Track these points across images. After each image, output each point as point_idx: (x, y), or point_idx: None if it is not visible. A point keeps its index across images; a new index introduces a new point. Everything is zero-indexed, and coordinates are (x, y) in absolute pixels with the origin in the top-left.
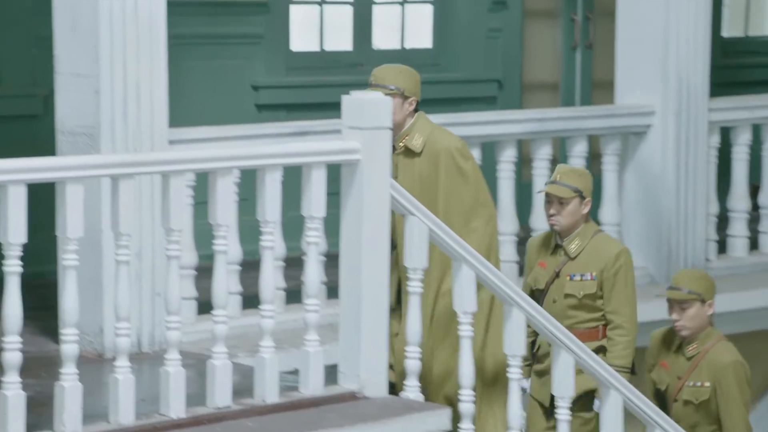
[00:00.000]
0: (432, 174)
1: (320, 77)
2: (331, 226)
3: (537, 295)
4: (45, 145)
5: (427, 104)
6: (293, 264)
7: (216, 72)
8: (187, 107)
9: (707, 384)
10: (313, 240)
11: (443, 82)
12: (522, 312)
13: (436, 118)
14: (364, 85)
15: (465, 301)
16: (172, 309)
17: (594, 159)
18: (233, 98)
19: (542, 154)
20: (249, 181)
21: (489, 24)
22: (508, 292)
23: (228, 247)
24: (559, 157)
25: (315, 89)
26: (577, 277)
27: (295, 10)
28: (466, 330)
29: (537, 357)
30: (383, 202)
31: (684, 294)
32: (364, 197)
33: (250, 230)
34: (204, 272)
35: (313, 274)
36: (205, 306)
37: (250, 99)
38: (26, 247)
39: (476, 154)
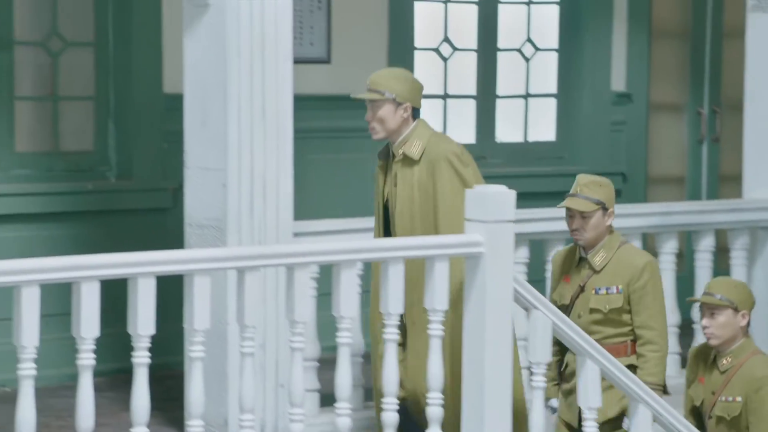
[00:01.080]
0: (429, 181)
1: None
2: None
3: (562, 311)
4: (173, 238)
5: (551, 197)
6: None
7: (339, 165)
8: (310, 200)
9: (739, 399)
10: (436, 332)
11: (567, 175)
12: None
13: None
14: (487, 178)
15: (590, 396)
16: (296, 401)
17: (721, 253)
18: (356, 191)
19: (668, 248)
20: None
21: (613, 117)
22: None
23: (351, 339)
24: (685, 252)
25: None
26: (603, 291)
27: None
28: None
29: (564, 376)
30: (506, 295)
31: (715, 299)
32: (487, 290)
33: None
34: (327, 364)
35: (436, 367)
36: (327, 398)
37: (371, 191)
38: (153, 338)
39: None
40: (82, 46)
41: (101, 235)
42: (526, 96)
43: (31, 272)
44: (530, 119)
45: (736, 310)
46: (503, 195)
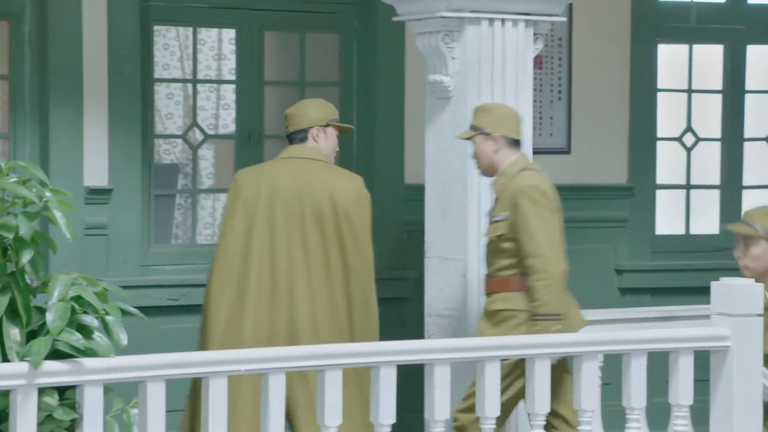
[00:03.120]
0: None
1: (685, 261)
2: (700, 414)
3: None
4: (413, 327)
5: None
6: None
7: (581, 255)
8: None
9: None
10: (682, 428)
11: None
12: None
13: None
14: (730, 271)
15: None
16: None
17: None
18: (597, 282)
19: None
20: (613, 366)
21: None
22: None
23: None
24: None
25: (680, 273)
26: (496, 218)
27: (661, 195)
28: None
29: None
30: (755, 391)
31: (750, 230)
32: (734, 386)
33: (614, 415)
34: None
35: None
36: None
37: (613, 282)
38: (393, 427)
39: None
40: None
41: None
42: None
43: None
44: None
45: None
46: (750, 288)
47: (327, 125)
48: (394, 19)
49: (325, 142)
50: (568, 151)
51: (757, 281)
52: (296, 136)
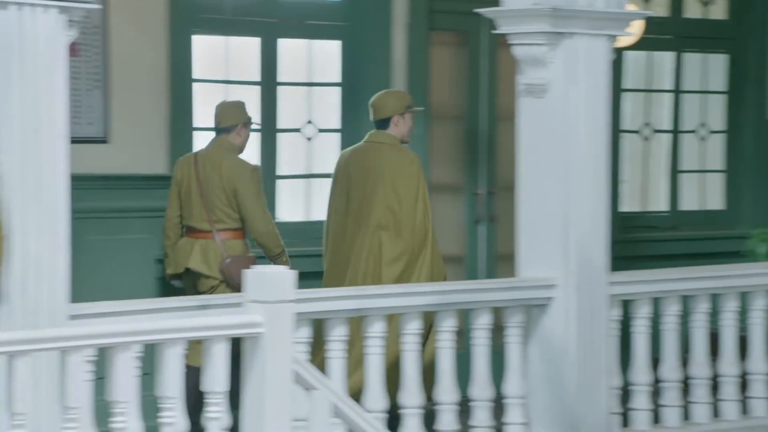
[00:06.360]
0: None
1: None
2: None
3: None
4: None
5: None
6: None
7: (121, 246)
8: (88, 282)
9: None
10: (216, 414)
11: None
12: None
13: None
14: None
15: None
16: None
17: (499, 331)
18: (136, 272)
19: (446, 326)
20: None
21: None
22: None
23: (128, 424)
24: (464, 329)
25: None
26: None
27: None
28: None
29: None
30: (286, 376)
31: None
32: (267, 371)
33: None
34: None
35: None
36: None
37: (152, 273)
38: None
39: (380, 327)
40: None
41: None
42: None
43: None
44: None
45: None
46: (283, 275)
47: None
48: None
49: None
50: (106, 140)
51: None
52: None
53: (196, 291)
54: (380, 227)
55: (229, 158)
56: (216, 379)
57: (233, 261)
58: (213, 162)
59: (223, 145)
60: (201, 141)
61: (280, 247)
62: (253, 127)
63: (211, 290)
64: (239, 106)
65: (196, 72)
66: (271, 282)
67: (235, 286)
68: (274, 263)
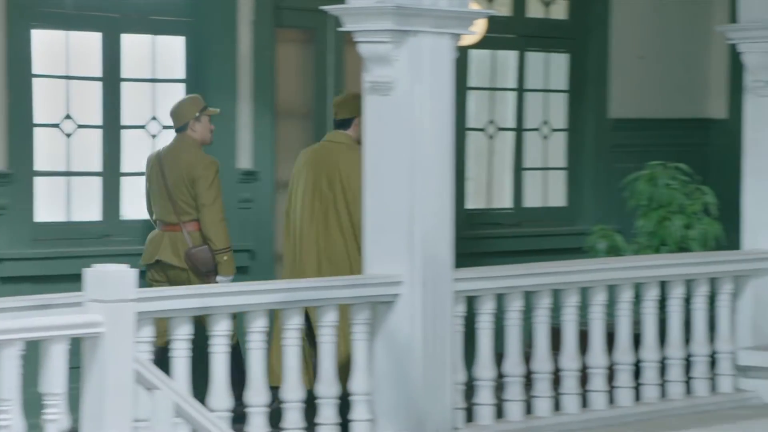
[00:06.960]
0: None
1: (67, 248)
2: (74, 401)
3: None
4: None
5: None
6: None
7: None
8: None
9: None
10: (53, 416)
11: None
12: None
13: None
14: (112, 257)
15: None
16: None
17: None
18: None
19: (293, 323)
20: None
21: (240, 195)
22: None
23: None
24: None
25: (61, 260)
26: None
27: (40, 182)
28: None
29: None
30: (127, 376)
31: None
32: (108, 372)
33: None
34: None
35: None
36: None
37: None
38: None
39: (226, 325)
40: None
41: None
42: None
43: None
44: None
45: None
46: (123, 274)
47: None
48: None
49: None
50: None
51: None
52: None
53: (169, 282)
54: None
55: (187, 152)
56: (54, 381)
57: (198, 250)
58: (174, 157)
59: (184, 140)
60: (41, 137)
61: (224, 243)
62: (209, 113)
63: (187, 281)
64: (186, 104)
65: (36, 67)
66: (112, 281)
67: (200, 275)
68: (215, 259)
